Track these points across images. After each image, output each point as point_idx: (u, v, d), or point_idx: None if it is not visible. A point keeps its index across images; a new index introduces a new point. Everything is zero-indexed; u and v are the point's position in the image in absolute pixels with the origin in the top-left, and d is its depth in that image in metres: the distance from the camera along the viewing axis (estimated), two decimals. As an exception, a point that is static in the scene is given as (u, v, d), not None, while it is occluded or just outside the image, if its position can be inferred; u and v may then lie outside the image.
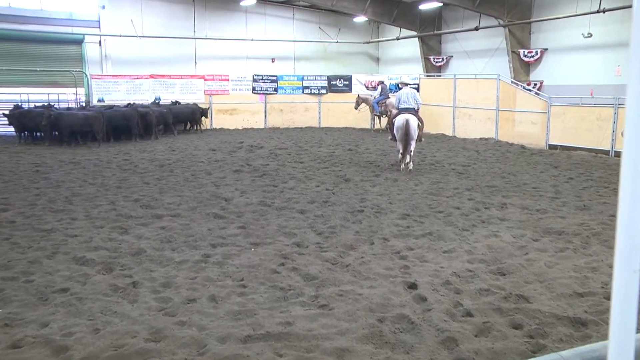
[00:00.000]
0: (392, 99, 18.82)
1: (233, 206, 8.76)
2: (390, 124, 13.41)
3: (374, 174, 11.83)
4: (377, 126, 21.81)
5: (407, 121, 12.11)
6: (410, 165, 12.24)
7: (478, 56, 21.75)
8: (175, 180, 11.01)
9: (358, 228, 7.47)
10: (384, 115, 21.07)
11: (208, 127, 22.05)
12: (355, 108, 21.33)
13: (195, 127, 20.85)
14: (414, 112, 12.44)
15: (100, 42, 22.89)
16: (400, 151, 12.23)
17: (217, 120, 22.72)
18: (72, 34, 22.28)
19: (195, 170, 12.26)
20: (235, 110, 23.05)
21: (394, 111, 13.87)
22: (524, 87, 17.57)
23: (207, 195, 9.56)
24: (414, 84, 21.48)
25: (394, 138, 12.99)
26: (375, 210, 8.48)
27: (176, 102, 21.08)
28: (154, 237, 6.96)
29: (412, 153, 12.25)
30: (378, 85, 21.35)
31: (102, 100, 20.77)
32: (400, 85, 13.37)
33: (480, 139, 17.99)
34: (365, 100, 21.33)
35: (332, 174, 11.79)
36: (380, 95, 20.76)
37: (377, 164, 13.09)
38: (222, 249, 6.51)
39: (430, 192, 9.89)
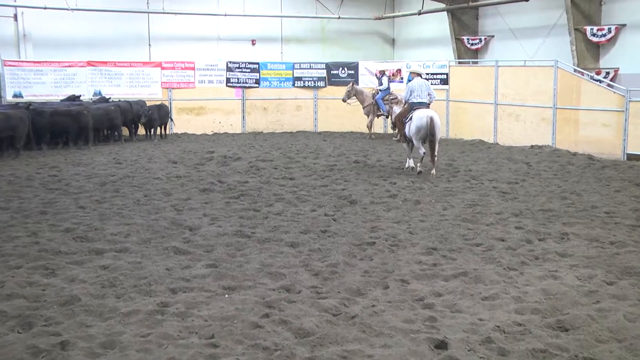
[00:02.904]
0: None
1: (200, 237, 8.74)
2: (399, 122, 14.38)
3: (389, 194, 11.86)
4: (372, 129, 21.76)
5: (431, 118, 13.19)
6: (434, 171, 13.44)
7: (528, 36, 21.91)
8: (122, 204, 11.01)
9: (367, 267, 7.46)
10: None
11: (167, 132, 22.09)
12: (344, 100, 21.33)
13: (116, 135, 20.11)
14: (428, 107, 13.71)
15: (15, 17, 22.93)
16: (424, 153, 13.54)
17: (179, 123, 22.82)
18: (-27, 3, 22.28)
19: (150, 190, 12.26)
20: (203, 109, 23.16)
21: (397, 108, 14.59)
22: (592, 77, 17.68)
23: (165, 223, 9.56)
24: (442, 74, 21.65)
25: (405, 140, 14.12)
26: (391, 243, 8.48)
27: (107, 99, 20.88)
28: (91, 279, 6.94)
29: (437, 157, 13.65)
30: (380, 75, 21.46)
31: (19, 95, 20.75)
32: (411, 76, 14.36)
33: (532, 146, 18.08)
34: (359, 94, 21.34)
35: (332, 194, 11.81)
36: (387, 88, 20.84)
37: (393, 181, 13.13)
38: (185, 295, 6.49)
39: (464, 218, 9.91)
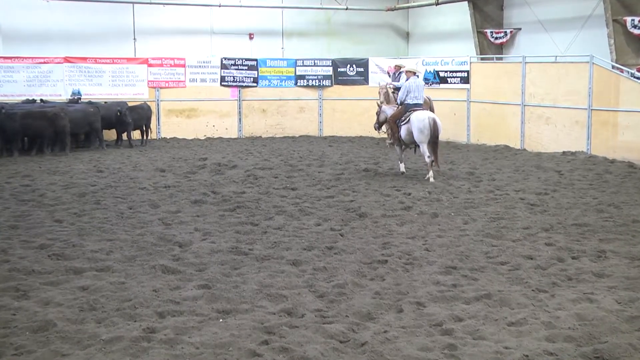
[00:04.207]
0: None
1: (191, 255, 8.75)
2: (393, 124, 15.20)
3: (403, 205, 11.86)
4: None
5: (434, 120, 14.36)
6: (431, 174, 14.37)
7: (560, 28, 21.91)
8: (104, 217, 11.04)
9: (379, 287, 7.46)
10: None
11: (154, 137, 22.14)
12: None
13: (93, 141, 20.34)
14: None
15: (-18, 7, 23.05)
16: (429, 157, 14.37)
17: (167, 126, 22.87)
18: None
19: (135, 201, 12.29)
20: (194, 112, 23.21)
21: (387, 108, 16.12)
22: (632, 75, 17.63)
23: (152, 238, 9.57)
24: (463, 72, 21.64)
25: (398, 143, 15.09)
26: (405, 261, 8.48)
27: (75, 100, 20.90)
28: (69, 302, 6.94)
29: (440, 160, 14.72)
30: (397, 72, 21.38)
31: None
32: (406, 75, 15.34)
33: (564, 153, 18.07)
34: (387, 96, 21.25)
35: (339, 207, 11.82)
36: None
37: (407, 191, 13.14)
38: (174, 319, 6.49)
39: (487, 233, 9.91)
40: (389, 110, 16.05)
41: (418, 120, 14.24)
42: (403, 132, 14.72)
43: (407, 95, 14.67)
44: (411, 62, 23.24)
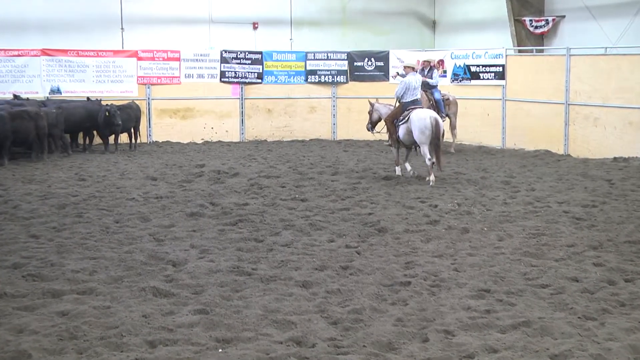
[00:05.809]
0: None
1: (187, 275, 8.76)
2: (390, 124, 15.88)
3: (428, 219, 11.84)
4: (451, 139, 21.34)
5: (436, 120, 15.12)
6: (433, 177, 15.09)
7: (609, 15, 21.83)
8: (87, 232, 11.06)
9: (401, 313, 7.44)
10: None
11: (144, 140, 22.20)
12: None
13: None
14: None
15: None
16: (430, 159, 15.08)
17: (159, 128, 22.91)
18: None
19: (122, 214, 12.32)
20: (190, 112, 23.26)
21: (380, 106, 16.88)
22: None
23: (142, 256, 9.59)
24: (497, 66, 21.58)
25: (397, 145, 15.83)
26: (431, 283, 8.46)
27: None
28: (46, 330, 6.95)
29: (442, 160, 15.52)
30: (425, 69, 21.31)
31: None
32: (405, 70, 15.99)
33: (615, 159, 17.99)
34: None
35: (356, 220, 11.82)
36: (437, 85, 20.77)
37: (434, 203, 13.12)
38: (166, 349, 6.49)
39: (526, 251, 9.88)
40: (383, 108, 16.47)
41: (419, 120, 14.89)
42: (402, 132, 15.40)
43: (405, 92, 15.29)
44: (439, 55, 23.35)
